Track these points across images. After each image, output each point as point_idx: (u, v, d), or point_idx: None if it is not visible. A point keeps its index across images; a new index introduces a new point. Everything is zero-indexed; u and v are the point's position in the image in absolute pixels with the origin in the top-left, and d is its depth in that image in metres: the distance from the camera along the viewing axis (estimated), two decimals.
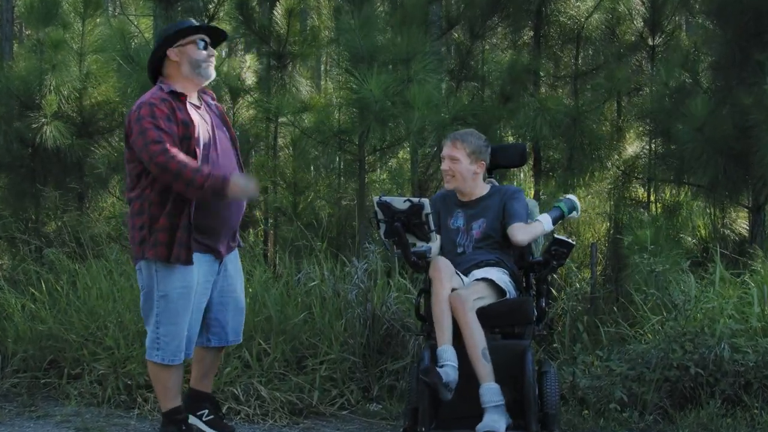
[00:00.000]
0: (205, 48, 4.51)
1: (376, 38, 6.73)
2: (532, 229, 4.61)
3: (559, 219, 4.69)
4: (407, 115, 6.34)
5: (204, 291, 4.49)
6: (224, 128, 4.61)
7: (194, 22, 4.61)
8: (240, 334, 4.73)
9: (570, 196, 4.72)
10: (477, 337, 4.28)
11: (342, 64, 7.07)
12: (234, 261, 4.68)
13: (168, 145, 4.22)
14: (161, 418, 4.62)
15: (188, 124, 4.35)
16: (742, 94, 6.07)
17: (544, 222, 4.63)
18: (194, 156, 4.31)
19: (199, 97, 4.59)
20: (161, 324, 4.41)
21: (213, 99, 4.70)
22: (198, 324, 4.51)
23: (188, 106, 4.43)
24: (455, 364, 4.24)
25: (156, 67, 4.54)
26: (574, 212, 4.70)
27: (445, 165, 4.70)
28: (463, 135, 4.73)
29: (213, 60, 4.56)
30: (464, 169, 4.68)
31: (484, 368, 4.26)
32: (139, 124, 4.28)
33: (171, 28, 4.55)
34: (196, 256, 4.39)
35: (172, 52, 4.48)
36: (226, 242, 4.56)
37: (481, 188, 4.77)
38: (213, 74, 4.57)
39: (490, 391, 4.25)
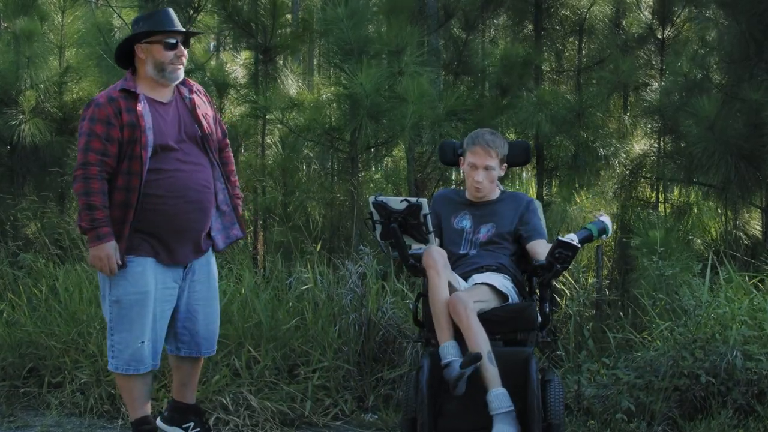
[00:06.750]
0: (174, 48, 4.27)
1: (365, 29, 6.65)
2: None
3: (587, 241, 4.53)
4: (400, 110, 6.23)
5: (167, 298, 4.36)
6: (195, 126, 4.36)
7: (171, 15, 4.33)
8: (214, 346, 4.62)
9: (603, 217, 4.55)
10: (481, 341, 4.14)
11: (331, 58, 6.95)
12: (205, 266, 4.49)
13: (91, 161, 4.15)
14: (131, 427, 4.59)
15: (135, 127, 4.18)
16: (752, 90, 5.99)
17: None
18: (140, 160, 4.17)
19: (173, 90, 4.37)
20: (115, 331, 4.32)
21: (192, 92, 4.43)
22: (163, 333, 4.40)
23: (143, 105, 4.22)
24: (460, 358, 4.10)
25: (127, 57, 4.35)
26: (604, 235, 4.52)
27: (479, 176, 4.53)
28: (494, 140, 4.55)
29: (182, 61, 4.33)
30: (495, 175, 4.59)
31: (490, 373, 4.11)
32: (81, 125, 4.26)
33: (138, 24, 4.33)
34: (148, 261, 4.25)
35: (138, 49, 4.30)
36: (188, 247, 4.37)
37: (494, 191, 4.65)
38: (180, 77, 4.34)
39: (499, 397, 4.09)
